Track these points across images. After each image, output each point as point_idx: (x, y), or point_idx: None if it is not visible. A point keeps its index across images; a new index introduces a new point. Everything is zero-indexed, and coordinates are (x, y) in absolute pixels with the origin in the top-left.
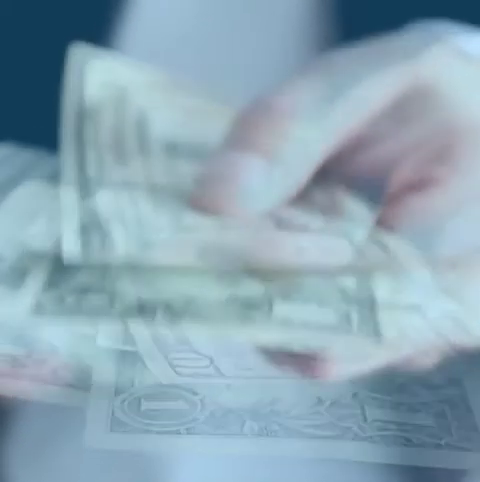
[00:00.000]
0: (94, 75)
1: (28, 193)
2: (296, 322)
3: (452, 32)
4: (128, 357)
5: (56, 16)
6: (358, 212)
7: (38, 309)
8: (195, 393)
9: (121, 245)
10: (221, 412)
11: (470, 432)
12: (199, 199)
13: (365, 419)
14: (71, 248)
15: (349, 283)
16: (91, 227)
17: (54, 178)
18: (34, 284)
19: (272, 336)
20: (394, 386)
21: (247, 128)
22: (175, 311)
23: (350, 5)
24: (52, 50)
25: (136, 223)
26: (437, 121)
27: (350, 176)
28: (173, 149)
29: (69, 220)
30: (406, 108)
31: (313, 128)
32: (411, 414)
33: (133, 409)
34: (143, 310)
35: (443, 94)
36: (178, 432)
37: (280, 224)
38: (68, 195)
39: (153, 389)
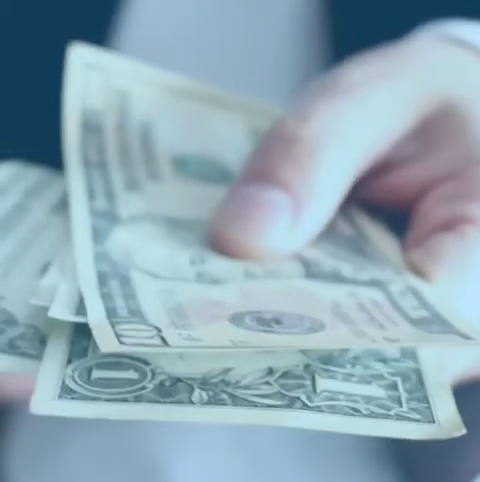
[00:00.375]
0: (95, 79)
1: (35, 231)
2: (342, 400)
3: (461, 29)
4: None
5: (55, 13)
6: (387, 249)
7: (64, 390)
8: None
9: (148, 309)
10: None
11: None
12: (220, 237)
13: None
14: (102, 337)
15: (392, 352)
16: (111, 283)
17: (62, 205)
18: (56, 355)
19: (318, 419)
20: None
21: (269, 162)
22: (212, 385)
23: (348, 4)
24: (52, 50)
25: (155, 271)
26: (464, 146)
27: (372, 201)
28: (181, 165)
29: (87, 282)
30: (431, 129)
31: (339, 158)
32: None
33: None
34: (178, 387)
35: (469, 111)
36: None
37: (309, 271)
38: (80, 241)
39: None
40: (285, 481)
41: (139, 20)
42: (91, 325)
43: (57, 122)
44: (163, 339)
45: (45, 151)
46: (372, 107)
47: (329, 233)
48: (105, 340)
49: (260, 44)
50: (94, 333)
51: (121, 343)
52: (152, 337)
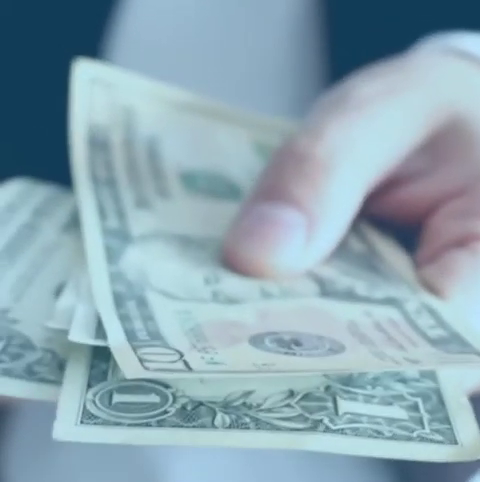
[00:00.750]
0: (100, 95)
1: (46, 251)
2: (365, 422)
3: (463, 42)
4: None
5: (55, 25)
6: (399, 265)
7: (86, 415)
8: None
9: (167, 331)
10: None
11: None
12: (233, 256)
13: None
14: (125, 362)
15: (411, 373)
16: (128, 304)
17: (73, 224)
18: (76, 380)
19: (342, 442)
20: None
21: (282, 180)
22: (234, 408)
23: (345, 8)
24: (54, 61)
25: (170, 291)
26: (473, 161)
27: (380, 217)
28: (189, 181)
29: (104, 304)
30: (439, 144)
31: (351, 175)
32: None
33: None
34: (200, 411)
35: (476, 125)
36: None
37: (323, 289)
38: (94, 261)
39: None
40: (282, 481)
41: (136, 23)
42: (113, 349)
43: (62, 138)
44: (186, 363)
45: (51, 167)
46: (382, 123)
47: (341, 250)
48: (129, 366)
49: (258, 47)
50: (117, 358)
51: (145, 368)
52: (175, 361)
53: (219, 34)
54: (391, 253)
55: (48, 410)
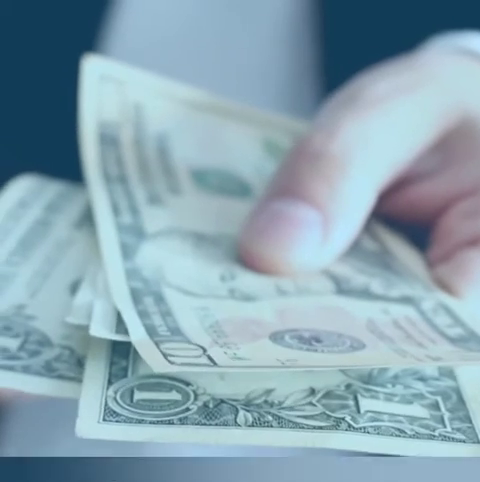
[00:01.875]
0: (109, 91)
1: (60, 247)
2: (386, 421)
3: (471, 42)
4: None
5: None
6: (412, 264)
7: (108, 412)
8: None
9: (187, 327)
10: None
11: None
12: (249, 253)
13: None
14: (150, 357)
15: (430, 371)
16: (145, 300)
17: (85, 220)
18: (96, 376)
19: (365, 440)
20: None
21: (297, 178)
22: (256, 406)
23: (341, 9)
24: (61, 61)
25: (187, 287)
26: None
27: (389, 216)
28: (200, 179)
29: (122, 300)
30: (450, 143)
31: (367, 173)
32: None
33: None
34: (222, 409)
35: None
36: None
37: (339, 287)
38: (110, 257)
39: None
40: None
41: (132, 23)
42: (135, 344)
43: (71, 135)
44: (210, 358)
45: (60, 164)
46: (395, 120)
47: (354, 248)
48: (154, 360)
49: (253, 49)
50: (141, 353)
51: (170, 363)
52: (199, 356)
53: (213, 37)
54: (403, 252)
55: (46, 409)
